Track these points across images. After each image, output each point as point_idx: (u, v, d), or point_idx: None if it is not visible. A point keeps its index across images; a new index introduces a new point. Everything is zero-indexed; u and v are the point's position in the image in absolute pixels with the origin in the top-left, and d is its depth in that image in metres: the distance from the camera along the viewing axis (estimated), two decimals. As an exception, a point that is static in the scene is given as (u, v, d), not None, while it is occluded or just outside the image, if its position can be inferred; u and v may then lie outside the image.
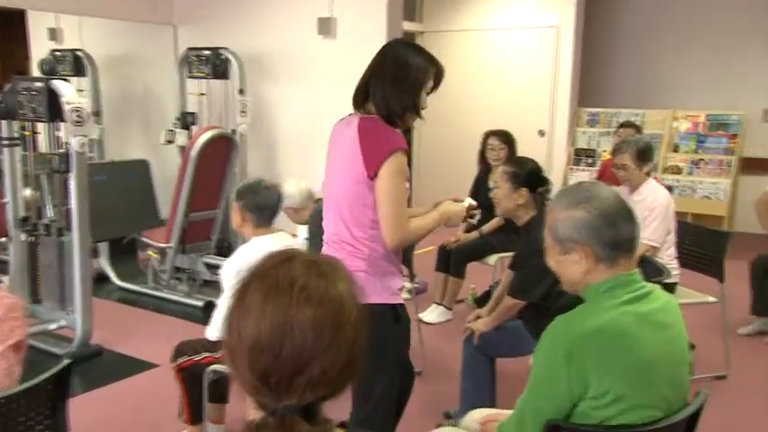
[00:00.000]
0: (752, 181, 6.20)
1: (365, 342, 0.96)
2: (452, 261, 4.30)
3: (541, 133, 6.95)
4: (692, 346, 3.41)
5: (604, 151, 6.39)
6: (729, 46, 6.66)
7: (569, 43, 6.72)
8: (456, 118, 7.04)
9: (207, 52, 5.32)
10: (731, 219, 6.25)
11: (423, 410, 2.96)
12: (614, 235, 1.45)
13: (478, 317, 2.80)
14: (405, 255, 2.40)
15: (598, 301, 1.47)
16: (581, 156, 6.89)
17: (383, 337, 2.03)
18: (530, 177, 2.72)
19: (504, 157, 4.31)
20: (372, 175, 1.93)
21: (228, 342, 0.93)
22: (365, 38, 5.03)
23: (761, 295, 4.07)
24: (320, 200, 3.73)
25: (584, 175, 6.53)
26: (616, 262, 1.46)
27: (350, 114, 2.07)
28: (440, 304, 4.35)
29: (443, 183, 6.35)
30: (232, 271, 2.41)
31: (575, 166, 6.86)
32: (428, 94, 2.03)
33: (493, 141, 4.49)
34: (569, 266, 1.50)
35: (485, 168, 4.55)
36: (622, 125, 5.09)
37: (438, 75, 2.02)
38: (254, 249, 2.44)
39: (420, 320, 4.03)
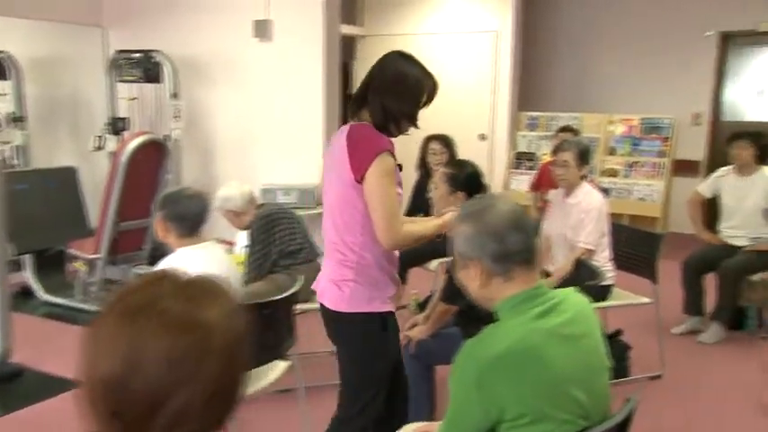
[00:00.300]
0: (683, 182, 6.39)
1: (243, 370, 0.86)
2: (393, 267, 4.24)
3: (482, 137, 6.99)
4: (629, 347, 3.46)
5: (544, 155, 6.47)
6: (661, 52, 6.86)
7: (508, 48, 6.79)
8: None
9: (138, 55, 5.15)
10: (665, 219, 6.42)
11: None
12: (501, 248, 1.41)
13: (415, 324, 2.76)
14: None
15: (507, 318, 1.44)
16: (522, 159, 6.97)
17: (369, 345, 2.08)
18: (468, 181, 2.70)
19: (445, 162, 4.29)
20: (359, 179, 1.95)
21: (81, 371, 0.82)
22: (302, 40, 4.94)
23: (692, 294, 4.17)
24: (262, 205, 3.67)
25: (524, 178, 6.60)
26: (510, 275, 1.43)
27: (345, 124, 2.11)
28: (381, 311, 4.28)
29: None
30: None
31: (515, 170, 6.94)
32: (421, 107, 2.05)
33: (434, 146, 4.47)
34: (468, 281, 1.48)
35: (425, 173, 4.53)
36: (562, 129, 5.17)
37: (433, 89, 2.05)
38: (178, 261, 2.33)
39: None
